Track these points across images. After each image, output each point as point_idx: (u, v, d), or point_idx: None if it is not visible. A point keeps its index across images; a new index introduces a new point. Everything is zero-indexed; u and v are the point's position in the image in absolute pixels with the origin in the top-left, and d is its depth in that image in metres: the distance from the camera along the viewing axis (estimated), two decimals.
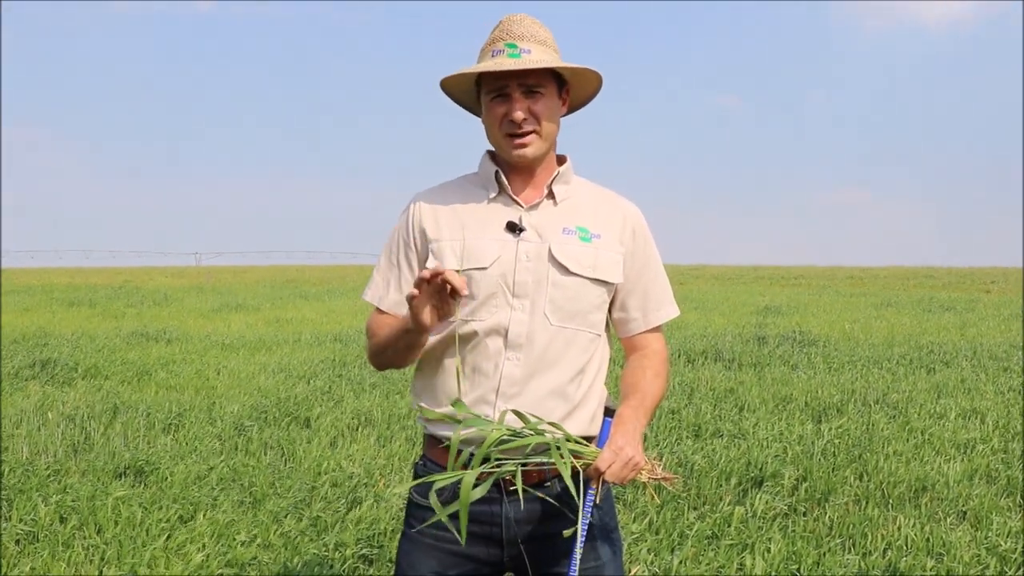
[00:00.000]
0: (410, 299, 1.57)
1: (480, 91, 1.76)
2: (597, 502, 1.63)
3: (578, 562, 1.61)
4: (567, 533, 1.61)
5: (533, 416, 1.64)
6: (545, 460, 1.61)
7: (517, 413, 1.65)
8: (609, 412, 1.68)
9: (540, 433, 1.61)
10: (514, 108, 1.69)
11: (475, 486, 1.57)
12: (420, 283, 1.55)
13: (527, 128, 1.70)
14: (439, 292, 1.58)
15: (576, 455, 1.62)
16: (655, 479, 1.65)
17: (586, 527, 1.62)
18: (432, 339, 1.77)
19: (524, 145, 1.71)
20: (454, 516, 1.67)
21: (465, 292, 1.57)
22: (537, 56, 1.68)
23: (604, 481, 1.58)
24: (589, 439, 1.71)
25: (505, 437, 1.61)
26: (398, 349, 1.73)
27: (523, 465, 1.63)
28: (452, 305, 1.60)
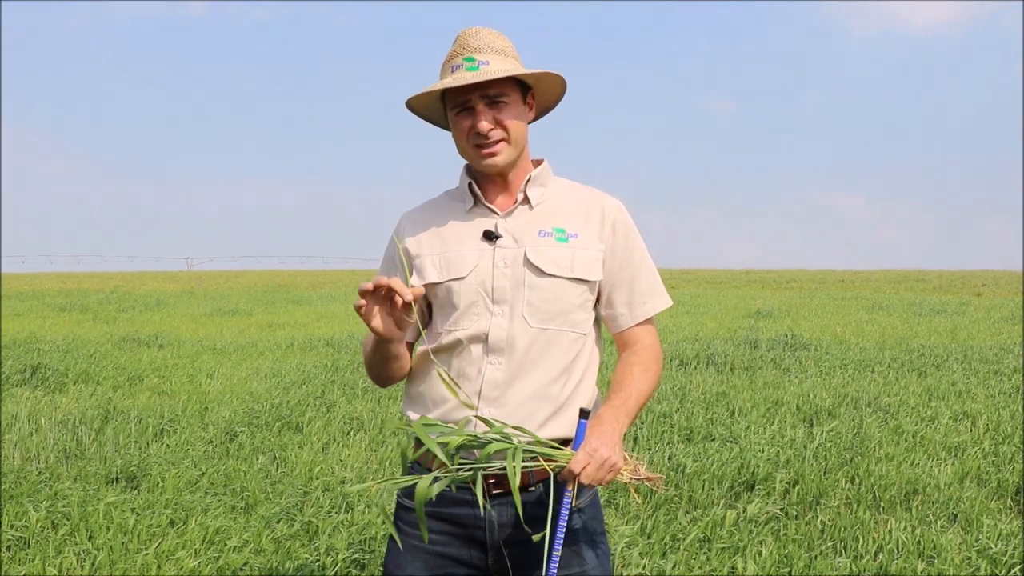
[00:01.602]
0: (357, 309, 1.61)
1: (445, 107, 1.78)
2: (574, 504, 1.63)
3: (556, 566, 1.61)
4: (536, 538, 1.61)
5: (497, 421, 1.65)
6: (506, 464, 1.61)
7: (482, 419, 1.66)
8: (584, 414, 1.67)
9: (506, 438, 1.62)
10: (479, 120, 1.70)
11: (455, 488, 1.61)
12: (363, 293, 1.59)
13: (495, 137, 1.72)
14: (388, 301, 1.61)
15: (549, 458, 1.61)
16: (638, 479, 1.64)
17: (563, 530, 1.61)
18: (420, 348, 1.81)
19: (494, 154, 1.73)
20: (438, 518, 1.70)
21: (409, 298, 1.58)
22: (495, 66, 1.70)
23: (581, 484, 1.58)
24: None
25: (468, 443, 1.62)
26: (377, 361, 1.77)
27: (504, 469, 1.63)
28: (403, 313, 1.62)
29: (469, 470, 1.61)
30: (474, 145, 1.73)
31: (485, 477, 1.65)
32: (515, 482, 1.55)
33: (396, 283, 1.57)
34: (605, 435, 1.60)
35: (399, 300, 1.58)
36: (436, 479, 1.61)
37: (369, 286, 1.57)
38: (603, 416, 1.66)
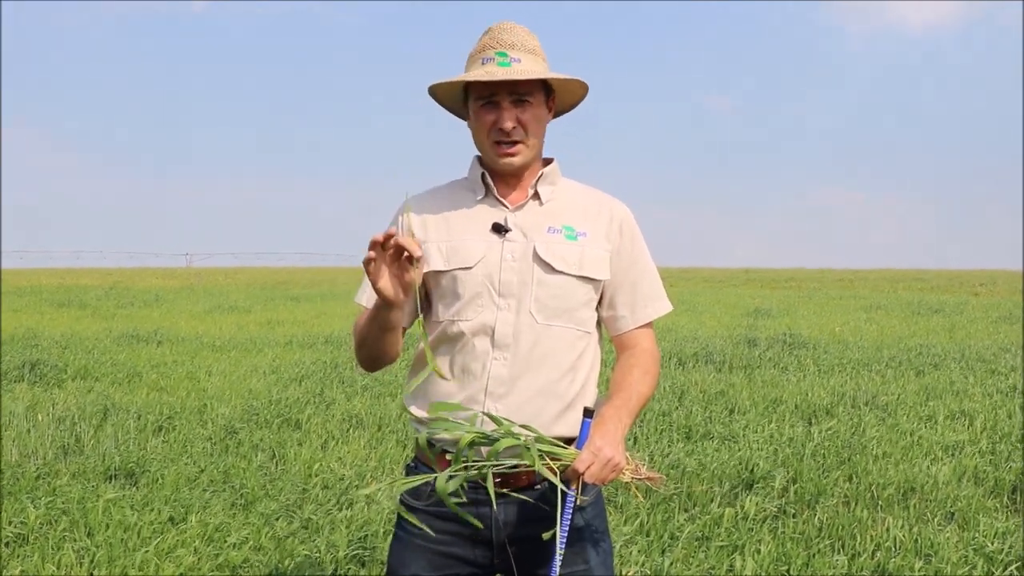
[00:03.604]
0: (366, 263, 1.57)
1: (468, 97, 1.77)
2: (578, 503, 1.64)
3: (559, 565, 1.61)
4: (546, 536, 1.61)
5: (506, 419, 1.65)
6: (517, 462, 1.62)
7: (491, 416, 1.66)
8: (588, 413, 1.67)
9: (515, 436, 1.62)
10: (503, 117, 1.71)
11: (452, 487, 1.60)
12: (374, 245, 1.55)
13: (515, 138, 1.72)
14: (396, 259, 1.58)
15: (554, 457, 1.62)
16: (639, 479, 1.65)
17: (566, 529, 1.61)
18: (422, 343, 1.79)
19: (512, 155, 1.73)
20: (443, 517, 1.69)
21: (419, 254, 1.56)
22: (527, 66, 1.70)
23: (585, 483, 1.59)
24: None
25: (477, 440, 1.62)
26: (374, 333, 1.72)
27: (513, 467, 1.64)
28: (411, 272, 1.59)
29: (479, 467, 1.61)
30: (494, 141, 1.73)
31: (493, 475, 1.65)
32: (542, 469, 1.56)
33: (406, 239, 1.55)
34: (608, 434, 1.61)
35: (405, 256, 1.55)
36: (451, 476, 1.60)
37: (380, 237, 1.55)
38: (605, 415, 1.66)
